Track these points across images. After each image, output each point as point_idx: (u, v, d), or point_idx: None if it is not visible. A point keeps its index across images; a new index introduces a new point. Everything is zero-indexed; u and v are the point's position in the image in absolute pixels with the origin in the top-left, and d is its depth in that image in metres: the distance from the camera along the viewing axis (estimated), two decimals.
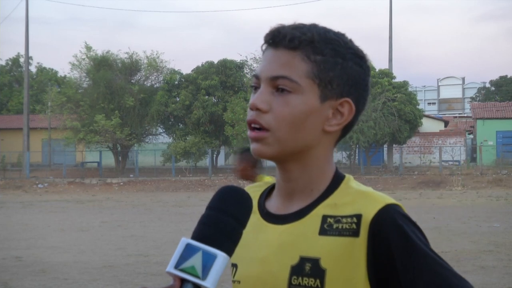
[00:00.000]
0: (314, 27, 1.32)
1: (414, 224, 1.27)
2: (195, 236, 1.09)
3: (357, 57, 1.33)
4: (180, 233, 14.32)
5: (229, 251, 1.09)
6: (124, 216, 19.09)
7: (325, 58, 1.30)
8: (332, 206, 1.30)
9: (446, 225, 15.63)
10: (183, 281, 1.05)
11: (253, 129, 1.31)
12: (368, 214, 1.25)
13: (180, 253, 1.06)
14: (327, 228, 1.27)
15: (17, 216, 19.51)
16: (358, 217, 1.26)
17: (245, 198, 1.15)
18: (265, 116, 1.29)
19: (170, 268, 1.06)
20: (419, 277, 1.21)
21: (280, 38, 1.30)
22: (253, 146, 1.32)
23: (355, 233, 1.25)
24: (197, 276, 1.04)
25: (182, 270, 1.05)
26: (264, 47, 1.34)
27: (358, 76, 1.33)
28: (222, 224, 1.10)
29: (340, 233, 1.26)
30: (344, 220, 1.27)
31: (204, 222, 1.11)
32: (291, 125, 1.29)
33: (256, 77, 1.32)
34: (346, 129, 1.36)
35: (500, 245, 12.30)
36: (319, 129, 1.31)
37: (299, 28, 1.31)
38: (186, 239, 1.08)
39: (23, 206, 23.46)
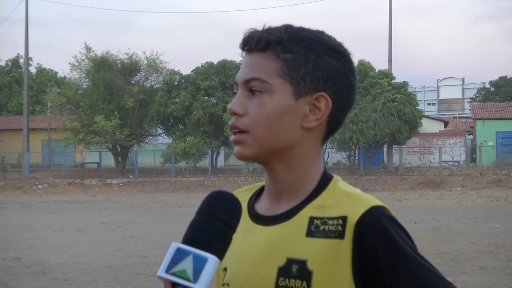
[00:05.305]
0: (285, 28, 1.33)
1: (400, 226, 1.26)
2: (186, 240, 1.09)
3: (334, 52, 1.33)
4: (180, 234, 14.32)
5: (220, 255, 1.09)
6: (124, 217, 19.09)
7: (295, 55, 1.30)
8: (319, 207, 1.30)
9: (446, 226, 15.64)
10: (174, 285, 1.05)
11: (234, 133, 1.33)
12: (353, 216, 1.25)
13: (171, 257, 1.06)
14: (314, 230, 1.27)
15: (16, 217, 19.52)
16: (344, 219, 1.25)
17: (234, 203, 1.15)
18: (242, 119, 1.31)
19: (161, 272, 1.06)
20: (403, 279, 1.21)
21: (250, 42, 1.32)
22: (234, 150, 1.34)
23: (340, 235, 1.25)
24: (188, 280, 1.04)
25: (173, 274, 1.05)
26: (242, 54, 1.36)
27: (335, 70, 1.32)
28: (212, 228, 1.10)
29: (327, 235, 1.26)
30: (330, 222, 1.27)
31: (194, 227, 1.11)
32: (267, 124, 1.30)
33: (236, 83, 1.35)
34: (332, 126, 1.35)
35: (499, 246, 12.31)
36: (297, 126, 1.31)
37: (268, 30, 1.32)
38: (177, 244, 1.08)
39: (22, 207, 23.47)
